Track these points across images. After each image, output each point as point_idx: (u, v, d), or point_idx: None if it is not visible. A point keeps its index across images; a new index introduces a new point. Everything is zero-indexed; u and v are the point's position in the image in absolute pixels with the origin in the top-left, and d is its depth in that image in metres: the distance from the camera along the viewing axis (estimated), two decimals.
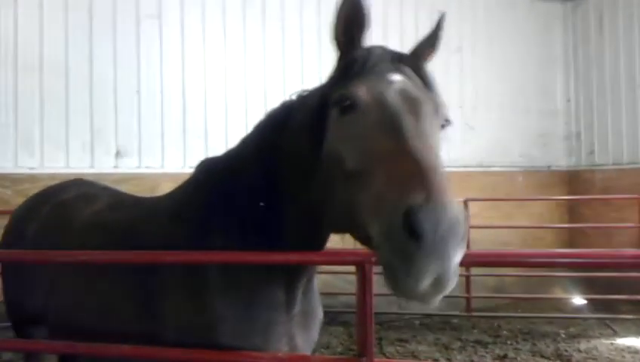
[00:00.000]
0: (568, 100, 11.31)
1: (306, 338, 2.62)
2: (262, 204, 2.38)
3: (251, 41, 9.46)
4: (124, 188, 3.69)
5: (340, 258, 2.25)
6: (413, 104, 1.90)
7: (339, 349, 7.30)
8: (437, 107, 1.98)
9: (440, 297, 1.62)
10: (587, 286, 9.10)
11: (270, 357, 2.29)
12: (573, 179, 10.95)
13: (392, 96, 1.90)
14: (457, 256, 1.57)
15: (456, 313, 8.82)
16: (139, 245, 2.60)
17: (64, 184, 3.60)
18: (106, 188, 3.46)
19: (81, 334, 2.72)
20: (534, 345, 7.38)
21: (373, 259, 2.17)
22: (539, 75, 11.17)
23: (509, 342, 7.50)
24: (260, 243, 2.38)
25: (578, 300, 9.44)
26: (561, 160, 11.12)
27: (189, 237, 2.52)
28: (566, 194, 10.63)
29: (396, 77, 1.98)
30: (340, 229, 2.10)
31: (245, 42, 9.41)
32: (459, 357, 7.05)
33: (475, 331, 8.15)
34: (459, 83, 10.24)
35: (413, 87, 1.97)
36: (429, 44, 2.22)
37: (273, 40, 9.59)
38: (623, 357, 6.87)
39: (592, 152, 10.88)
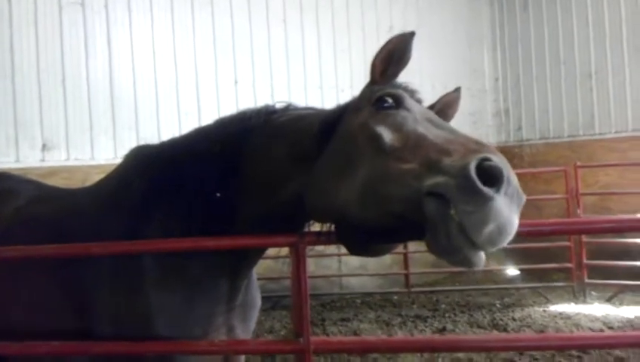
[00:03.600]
0: (496, 79, 11.61)
1: (245, 328, 2.62)
2: (217, 195, 2.35)
3: (181, 28, 9.26)
4: (52, 182, 3.56)
5: (272, 240, 2.24)
6: (437, 119, 2.04)
7: (282, 333, 7.33)
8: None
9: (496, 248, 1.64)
10: (520, 256, 9.44)
11: (206, 345, 2.27)
12: (502, 155, 11.25)
13: (424, 109, 2.09)
14: (517, 217, 1.64)
15: (396, 289, 9.01)
16: (68, 239, 2.52)
17: None
18: (30, 182, 3.32)
19: (12, 335, 2.63)
20: (471, 316, 7.64)
21: (307, 240, 2.19)
22: (467, 54, 11.42)
23: (447, 315, 7.71)
24: (207, 231, 2.35)
25: (512, 271, 9.79)
26: (491, 136, 11.41)
27: (125, 227, 2.45)
28: None
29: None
30: (332, 213, 2.05)
31: (174, 29, 9.19)
32: (399, 332, 7.21)
33: (415, 306, 8.36)
34: None
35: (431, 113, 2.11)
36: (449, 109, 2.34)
37: (203, 28, 9.41)
38: (556, 322, 7.17)
39: (519, 128, 11.24)
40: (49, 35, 8.47)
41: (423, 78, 10.68)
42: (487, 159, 1.60)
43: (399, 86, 2.13)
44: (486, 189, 1.55)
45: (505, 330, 6.99)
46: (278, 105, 2.45)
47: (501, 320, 7.41)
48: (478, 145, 1.71)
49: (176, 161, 2.43)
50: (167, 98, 9.08)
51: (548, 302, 8.22)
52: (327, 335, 7.13)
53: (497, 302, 8.34)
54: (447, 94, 2.36)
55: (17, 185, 3.18)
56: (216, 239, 2.23)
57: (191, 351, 2.24)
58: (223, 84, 9.37)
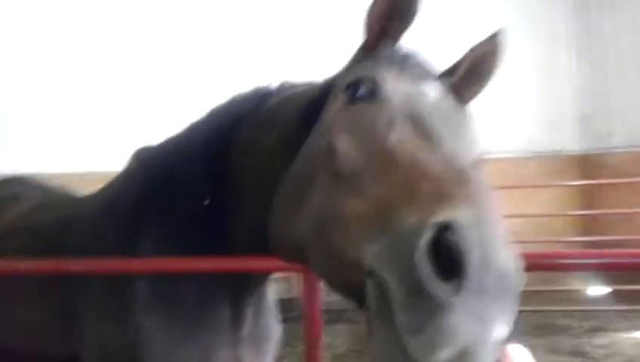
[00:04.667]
0: (578, 82, 10.79)
1: (259, 360, 2.19)
2: (206, 203, 1.96)
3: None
4: None
5: (280, 263, 1.80)
6: (450, 120, 1.46)
7: (341, 350, 6.85)
8: (473, 134, 1.54)
9: None
10: (607, 275, 8.59)
11: None
12: (585, 164, 10.42)
13: (427, 99, 1.49)
14: (503, 324, 1.06)
15: None
16: (61, 250, 2.23)
17: None
18: (39, 188, 3.06)
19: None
20: (550, 340, 6.95)
21: None
22: (546, 56, 10.66)
23: (523, 338, 7.00)
24: (201, 248, 1.96)
25: (597, 290, 8.94)
26: (572, 144, 10.59)
27: (118, 241, 2.11)
28: (578, 179, 10.12)
29: (436, 88, 1.55)
30: (294, 251, 1.58)
31: None
32: None
33: None
34: None
35: (452, 105, 1.54)
36: (484, 69, 1.71)
37: None
38: None
39: (604, 135, 10.35)
40: None
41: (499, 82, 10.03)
42: (449, 227, 1.04)
43: (398, 55, 1.59)
44: (438, 290, 1.01)
45: (589, 359, 6.28)
46: (273, 86, 2.02)
47: (584, 347, 6.67)
48: (452, 186, 1.14)
49: (169, 165, 2.06)
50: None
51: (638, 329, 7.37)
52: None
53: (580, 325, 7.56)
54: (480, 44, 1.69)
55: (25, 191, 2.94)
56: (212, 260, 1.82)
57: None
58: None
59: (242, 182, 1.90)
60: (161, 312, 1.98)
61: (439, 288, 1.01)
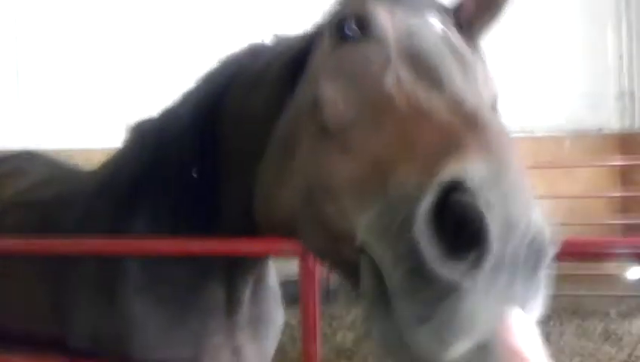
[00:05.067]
0: (620, 57, 10.30)
1: (258, 349, 2.09)
2: (194, 175, 1.84)
3: None
4: None
5: (276, 246, 1.68)
6: (456, 53, 1.24)
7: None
8: (486, 76, 1.32)
9: None
10: None
11: None
12: (625, 143, 10.00)
13: (430, 34, 1.26)
14: (532, 303, 0.86)
15: None
16: (55, 228, 2.15)
17: (6, 156, 3.16)
18: (46, 163, 2.98)
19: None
20: (581, 324, 6.76)
21: None
22: (587, 30, 10.19)
23: (551, 323, 6.81)
24: (194, 227, 1.85)
25: (634, 273, 8.62)
26: (613, 122, 10.16)
27: (109, 218, 2.01)
28: (617, 158, 9.71)
29: (437, 21, 1.32)
30: (282, 219, 1.42)
31: None
32: None
33: None
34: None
35: (459, 41, 1.31)
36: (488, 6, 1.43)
37: None
38: None
39: None
40: None
41: (533, 54, 9.70)
42: (457, 185, 0.83)
43: None
44: (445, 270, 0.80)
45: (619, 344, 6.05)
46: (267, 42, 1.84)
47: (615, 332, 6.42)
48: (461, 134, 0.92)
49: (161, 138, 1.94)
50: None
51: None
52: None
53: (613, 310, 7.29)
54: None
55: (31, 166, 2.86)
56: (201, 241, 1.70)
57: None
58: None
59: (231, 153, 1.76)
60: (152, 295, 1.90)
61: (446, 268, 0.81)
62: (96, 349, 1.92)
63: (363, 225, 0.98)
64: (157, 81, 8.16)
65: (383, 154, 1.02)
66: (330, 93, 1.24)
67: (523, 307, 0.85)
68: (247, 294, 1.98)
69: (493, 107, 1.30)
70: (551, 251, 0.86)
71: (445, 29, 1.31)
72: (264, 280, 2.09)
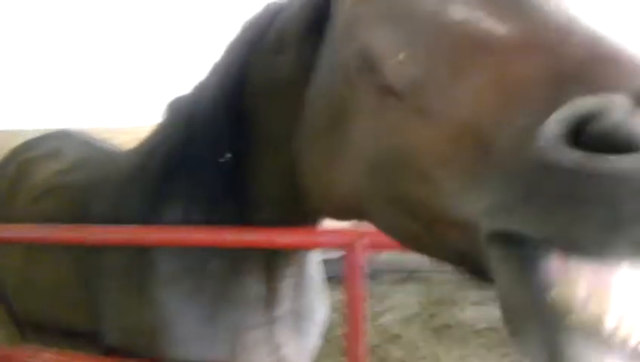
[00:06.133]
0: None
1: (300, 346, 1.93)
2: (228, 156, 1.66)
3: None
4: None
5: (315, 238, 1.51)
6: None
7: (414, 310, 6.53)
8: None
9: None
10: None
11: None
12: None
13: None
14: None
15: None
16: (87, 214, 2.03)
17: (44, 136, 3.07)
18: (82, 143, 2.86)
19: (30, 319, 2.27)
20: None
21: (367, 240, 1.43)
22: None
23: None
24: (228, 216, 1.68)
25: None
26: None
27: (139, 208, 1.87)
28: None
29: None
30: (345, 209, 1.24)
31: None
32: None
33: None
34: None
35: None
36: None
37: None
38: None
39: None
40: None
41: None
42: (595, 116, 0.62)
43: None
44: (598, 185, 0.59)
45: None
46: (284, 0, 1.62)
47: None
48: (574, 72, 0.69)
49: (191, 116, 1.78)
50: None
51: None
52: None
53: None
54: None
55: (68, 146, 2.74)
56: (231, 231, 1.56)
57: None
58: None
59: (262, 129, 1.58)
60: (185, 286, 1.76)
61: (595, 204, 0.60)
62: (127, 343, 1.82)
63: (487, 207, 0.74)
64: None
65: (481, 114, 0.78)
66: (385, 43, 0.99)
67: None
68: (288, 287, 1.83)
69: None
70: None
71: None
72: (305, 270, 1.93)
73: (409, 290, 7.16)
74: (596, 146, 0.61)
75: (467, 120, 0.80)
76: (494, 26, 0.83)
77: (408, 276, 7.48)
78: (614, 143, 0.61)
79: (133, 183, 1.93)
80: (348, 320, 1.46)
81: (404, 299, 6.86)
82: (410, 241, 1.02)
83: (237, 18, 1.74)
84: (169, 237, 1.69)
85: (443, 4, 0.92)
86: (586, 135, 0.63)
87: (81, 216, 2.02)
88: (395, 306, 6.60)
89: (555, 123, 0.65)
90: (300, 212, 1.58)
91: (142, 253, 1.80)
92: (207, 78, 1.79)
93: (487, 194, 0.74)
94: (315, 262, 2.01)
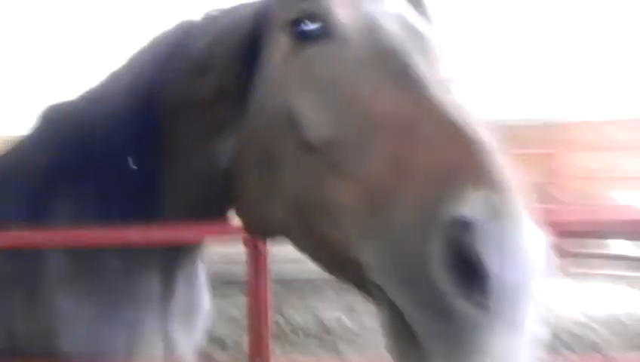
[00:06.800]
0: None
1: (189, 335, 2.04)
2: (133, 166, 1.73)
3: None
4: None
5: (221, 231, 1.67)
6: (418, 38, 1.21)
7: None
8: (444, 52, 1.28)
9: None
10: None
11: None
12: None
13: (389, 22, 1.21)
14: (540, 316, 0.90)
15: None
16: None
17: None
18: None
19: None
20: None
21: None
22: None
23: None
24: (128, 213, 1.76)
25: None
26: None
27: (27, 209, 1.85)
28: None
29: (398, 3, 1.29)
30: (273, 230, 1.38)
31: None
32: (367, 320, 6.71)
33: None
34: None
35: (413, 14, 1.28)
36: None
37: None
38: None
39: None
40: None
41: None
42: (459, 223, 0.85)
43: None
44: (463, 308, 0.85)
45: None
46: (196, 19, 1.75)
47: None
48: (454, 155, 0.93)
49: (85, 123, 1.83)
50: None
51: None
52: (291, 324, 6.62)
53: None
54: None
55: None
56: (141, 230, 1.65)
57: None
58: None
59: (176, 141, 1.68)
60: (81, 285, 1.76)
61: (463, 304, 0.85)
62: (16, 347, 1.79)
63: (372, 263, 0.97)
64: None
65: (377, 177, 0.99)
66: (304, 106, 1.19)
67: (531, 321, 0.90)
68: (181, 282, 1.93)
69: (453, 78, 1.26)
70: (549, 263, 0.92)
71: (399, 8, 1.28)
72: (196, 266, 2.04)
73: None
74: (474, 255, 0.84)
75: (367, 184, 1.00)
76: (395, 105, 1.05)
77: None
78: (470, 257, 0.84)
79: (14, 184, 1.91)
80: (251, 309, 1.64)
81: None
82: (320, 265, 1.23)
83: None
84: (70, 238, 1.72)
85: (350, 80, 1.13)
86: (453, 242, 0.85)
87: None
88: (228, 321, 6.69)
89: (440, 242, 0.87)
90: (209, 216, 1.72)
91: (28, 256, 1.79)
92: (105, 89, 1.86)
93: (374, 249, 0.96)
94: (200, 260, 2.13)
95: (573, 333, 6.10)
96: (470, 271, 0.84)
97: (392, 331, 0.96)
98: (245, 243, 1.66)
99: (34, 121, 2.08)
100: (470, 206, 0.86)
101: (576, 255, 7.89)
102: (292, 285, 7.56)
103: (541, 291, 0.88)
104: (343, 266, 1.10)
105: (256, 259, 1.64)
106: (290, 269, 5.73)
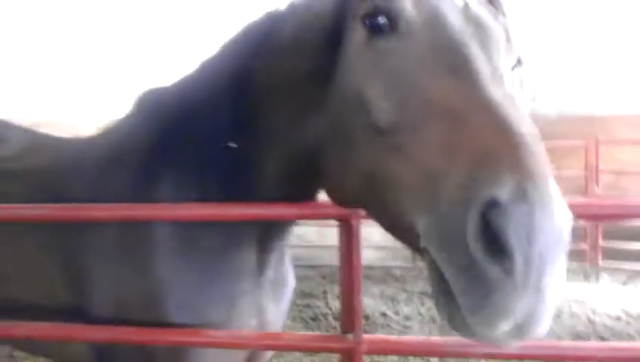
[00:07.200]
0: None
1: (278, 311, 2.17)
2: (232, 145, 1.86)
3: None
4: None
5: (318, 211, 1.79)
6: (480, 30, 1.32)
7: None
8: (509, 38, 1.38)
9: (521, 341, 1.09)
10: None
11: (231, 337, 1.83)
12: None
13: (453, 15, 1.32)
14: (559, 285, 1.06)
15: (399, 264, 8.63)
16: (62, 197, 2.06)
17: None
18: (21, 130, 2.82)
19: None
20: None
21: (362, 213, 1.74)
22: None
23: None
24: (226, 195, 1.89)
25: None
26: None
27: (126, 186, 2.00)
28: None
29: None
30: (349, 200, 1.56)
31: None
32: (406, 309, 6.84)
33: (420, 282, 7.94)
34: None
35: (479, 5, 1.37)
36: None
37: None
38: (571, 307, 6.80)
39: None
40: None
41: None
42: (494, 203, 1.01)
43: None
44: (490, 272, 1.02)
45: None
46: (283, 9, 1.84)
47: None
48: (496, 146, 1.07)
49: (185, 106, 1.96)
50: None
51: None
52: (330, 309, 6.77)
53: None
54: None
55: (5, 134, 2.69)
56: (249, 206, 1.77)
57: (213, 343, 1.81)
58: None
59: (269, 121, 1.79)
60: (183, 258, 1.90)
61: (491, 270, 1.01)
62: (122, 315, 1.93)
63: (423, 231, 1.15)
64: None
65: (431, 162, 1.16)
66: (373, 93, 1.33)
67: (552, 289, 1.04)
68: (273, 257, 2.04)
69: (515, 66, 1.43)
70: (568, 238, 1.05)
71: (467, 1, 1.36)
72: (284, 244, 2.17)
73: None
74: (502, 236, 1.00)
75: (422, 166, 1.17)
76: (449, 96, 1.19)
77: None
78: (508, 237, 0.99)
79: (116, 167, 2.05)
80: (343, 283, 1.76)
81: None
82: (385, 228, 1.39)
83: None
84: (177, 214, 1.84)
85: (413, 73, 1.27)
86: (488, 218, 1.02)
87: (54, 198, 2.08)
88: None
89: (480, 211, 1.03)
90: (299, 190, 1.83)
91: (137, 230, 1.94)
92: (203, 74, 1.98)
93: (425, 221, 1.14)
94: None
95: (607, 326, 6.15)
96: (500, 244, 1.00)
97: (436, 288, 1.14)
98: (339, 220, 1.77)
99: (130, 105, 2.22)
100: (504, 190, 1.01)
101: (610, 250, 7.93)
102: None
103: (562, 264, 1.04)
104: (402, 231, 1.28)
105: (349, 237, 1.74)
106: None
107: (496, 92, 1.17)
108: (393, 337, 5.09)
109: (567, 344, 2.42)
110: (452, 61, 1.23)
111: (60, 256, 2.06)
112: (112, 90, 8.35)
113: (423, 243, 1.15)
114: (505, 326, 1.05)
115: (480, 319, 1.05)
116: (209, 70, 2.00)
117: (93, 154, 2.17)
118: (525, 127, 1.11)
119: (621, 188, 8.66)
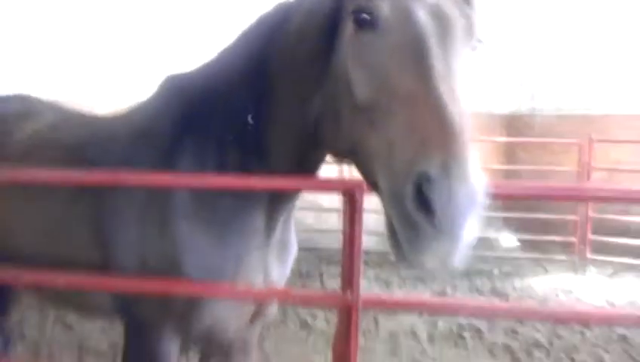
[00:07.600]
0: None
1: (282, 271, 2.43)
2: (250, 121, 2.13)
3: None
4: None
5: (326, 184, 2.03)
6: (443, 24, 1.57)
7: None
8: (471, 26, 1.63)
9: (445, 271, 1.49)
10: (518, 226, 9.35)
11: (245, 291, 2.08)
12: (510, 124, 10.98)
13: (421, 14, 1.56)
14: (471, 233, 1.42)
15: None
16: (91, 166, 2.31)
17: (3, 98, 3.17)
18: (52, 105, 3.07)
19: (24, 265, 2.44)
20: (471, 282, 7.54)
21: (365, 186, 1.99)
22: None
23: (446, 279, 7.60)
24: (240, 165, 2.15)
25: (509, 240, 9.66)
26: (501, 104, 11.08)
27: (154, 158, 2.25)
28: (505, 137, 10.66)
29: None
30: (343, 161, 1.92)
31: None
32: (399, 291, 7.10)
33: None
34: None
35: (450, 3, 1.62)
36: None
37: None
38: (557, 295, 7.10)
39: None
40: None
41: None
42: (426, 177, 1.35)
43: None
44: (420, 223, 1.39)
45: (506, 299, 6.94)
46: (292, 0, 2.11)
47: (502, 288, 7.34)
48: (436, 135, 1.39)
49: (208, 87, 2.23)
50: None
51: (547, 273, 8.15)
52: (326, 289, 7.03)
53: (496, 269, 8.23)
54: None
55: (38, 108, 2.94)
56: (264, 179, 2.02)
57: (227, 294, 2.06)
58: None
59: (280, 100, 2.05)
60: (201, 220, 2.15)
61: (421, 222, 1.38)
62: (143, 270, 2.16)
63: (382, 191, 1.52)
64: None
65: (392, 138, 1.48)
66: (356, 78, 1.63)
67: (466, 237, 1.40)
68: (280, 221, 2.29)
69: (475, 47, 1.69)
70: (483, 198, 1.39)
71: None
72: (291, 209, 2.40)
73: None
74: (427, 199, 1.36)
75: (386, 140, 1.50)
76: (408, 86, 1.49)
77: None
78: (431, 201, 1.35)
79: (142, 144, 2.29)
80: (346, 252, 2.00)
81: None
82: (366, 181, 1.74)
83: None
84: (200, 182, 2.09)
85: (386, 64, 1.55)
86: (423, 188, 1.36)
87: (87, 167, 2.32)
88: None
89: (415, 181, 1.38)
90: (305, 160, 2.10)
91: (162, 196, 2.16)
92: (222, 60, 2.25)
93: (383, 182, 1.50)
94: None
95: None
96: (427, 205, 1.35)
97: (389, 233, 1.52)
98: (344, 193, 2.01)
99: (154, 88, 2.47)
100: (433, 166, 1.35)
101: (600, 244, 8.20)
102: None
103: (476, 219, 1.40)
104: (374, 188, 1.62)
105: (353, 207, 1.98)
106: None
107: (442, 86, 1.46)
108: (386, 294, 5.41)
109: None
110: (414, 57, 1.52)
111: (90, 216, 2.31)
112: (128, 75, 8.64)
113: (381, 200, 1.53)
114: (432, 260, 1.42)
115: (415, 255, 1.44)
116: (227, 56, 2.26)
117: (122, 128, 2.42)
118: (458, 117, 1.42)
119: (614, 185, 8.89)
